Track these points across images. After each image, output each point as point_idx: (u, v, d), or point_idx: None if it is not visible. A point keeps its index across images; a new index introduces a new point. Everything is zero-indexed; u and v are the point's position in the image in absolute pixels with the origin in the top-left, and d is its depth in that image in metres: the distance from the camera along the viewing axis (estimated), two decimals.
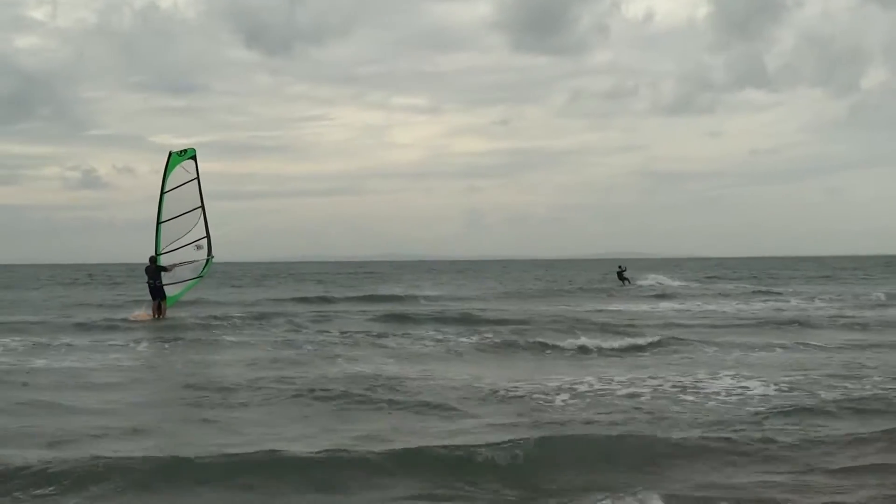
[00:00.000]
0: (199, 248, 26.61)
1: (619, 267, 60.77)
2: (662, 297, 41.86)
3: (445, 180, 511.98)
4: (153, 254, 26.38)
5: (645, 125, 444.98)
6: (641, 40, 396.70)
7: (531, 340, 19.83)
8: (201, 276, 27.53)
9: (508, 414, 11.26)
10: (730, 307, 33.80)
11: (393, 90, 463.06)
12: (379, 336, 21.51)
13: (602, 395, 12.58)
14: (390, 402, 12.03)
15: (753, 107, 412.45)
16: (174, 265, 26.38)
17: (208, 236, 26.70)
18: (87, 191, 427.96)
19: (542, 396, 12.44)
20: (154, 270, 26.30)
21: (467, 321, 25.99)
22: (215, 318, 26.88)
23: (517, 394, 12.63)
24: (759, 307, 33.48)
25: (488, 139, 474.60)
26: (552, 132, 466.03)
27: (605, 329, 22.74)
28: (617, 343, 19.20)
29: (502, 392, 12.75)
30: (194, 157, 26.71)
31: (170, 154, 26.65)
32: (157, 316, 26.47)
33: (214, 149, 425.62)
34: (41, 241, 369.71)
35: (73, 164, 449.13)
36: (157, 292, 26.45)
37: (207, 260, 26.94)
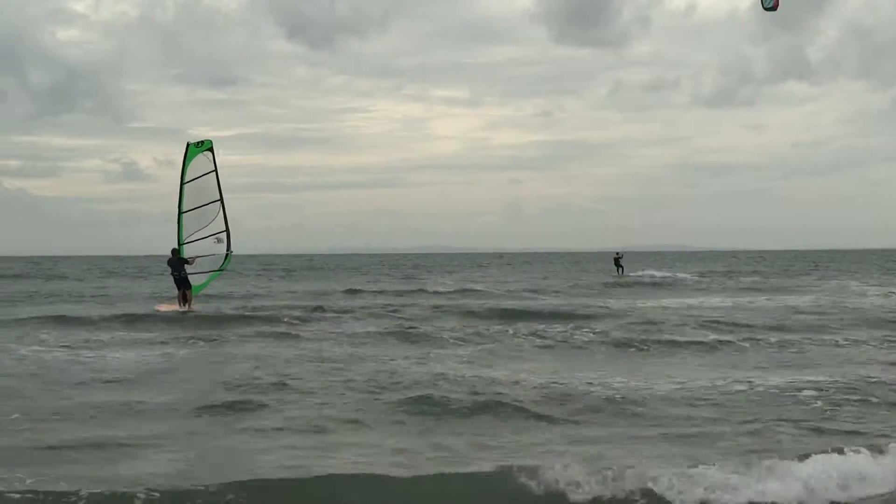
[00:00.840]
0: (218, 241, 26.99)
1: (616, 254, 62.52)
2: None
3: (485, 172, 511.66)
4: (175, 246, 26.86)
5: (685, 117, 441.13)
6: (683, 32, 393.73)
7: (663, 338, 19.33)
8: (222, 270, 27.93)
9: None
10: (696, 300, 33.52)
11: (432, 82, 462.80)
12: (480, 334, 20.40)
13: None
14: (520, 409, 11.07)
15: (795, 99, 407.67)
16: (195, 257, 26.77)
17: (227, 230, 27.02)
18: (128, 183, 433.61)
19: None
20: (177, 262, 26.75)
21: (571, 317, 25.25)
22: (284, 309, 27.05)
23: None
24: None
25: (528, 131, 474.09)
26: (592, 124, 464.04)
27: (706, 325, 22.46)
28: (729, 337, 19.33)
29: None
30: (211, 149, 27.06)
31: (188, 145, 27.09)
32: (182, 306, 26.96)
33: (255, 141, 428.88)
34: (81, 233, 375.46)
35: (114, 156, 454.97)
36: (183, 283, 26.99)
37: (227, 255, 27.30)
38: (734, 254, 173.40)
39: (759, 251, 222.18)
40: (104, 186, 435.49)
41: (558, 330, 21.07)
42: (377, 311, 27.03)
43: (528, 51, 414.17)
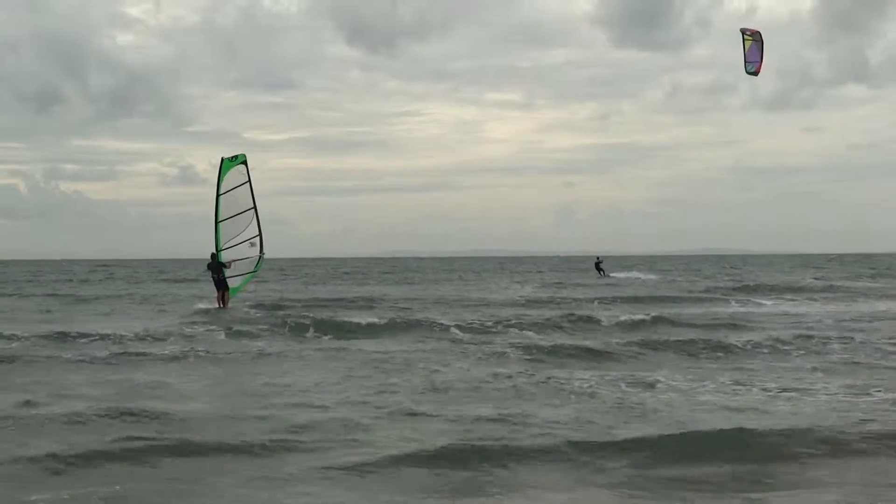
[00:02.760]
0: (252, 245, 29.64)
1: (597, 258, 66.42)
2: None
3: (537, 175, 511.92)
4: (213, 251, 29.53)
5: (742, 120, 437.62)
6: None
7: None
8: (255, 272, 30.66)
9: None
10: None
11: (486, 86, 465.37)
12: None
13: None
14: None
15: (853, 102, 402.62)
16: (232, 261, 29.49)
17: (260, 234, 29.66)
18: (184, 186, 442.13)
19: None
20: (216, 266, 29.52)
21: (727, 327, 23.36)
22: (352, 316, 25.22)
23: None
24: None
25: (581, 134, 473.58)
26: (647, 127, 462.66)
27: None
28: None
29: None
30: (245, 163, 29.70)
31: (222, 160, 29.63)
32: (220, 306, 29.67)
33: (309, 145, 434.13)
34: (138, 236, 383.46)
35: (170, 159, 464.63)
36: (221, 284, 29.70)
37: (260, 257, 29.96)
38: (786, 258, 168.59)
39: (813, 254, 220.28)
40: (160, 190, 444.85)
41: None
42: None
43: (585, 54, 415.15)
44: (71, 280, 65.55)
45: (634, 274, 64.70)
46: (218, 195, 29.49)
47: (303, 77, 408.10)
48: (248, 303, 31.37)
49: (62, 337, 20.36)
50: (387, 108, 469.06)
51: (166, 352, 18.05)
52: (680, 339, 19.64)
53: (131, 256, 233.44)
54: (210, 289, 32.07)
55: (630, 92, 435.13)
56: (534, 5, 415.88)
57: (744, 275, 66.61)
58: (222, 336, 21.31)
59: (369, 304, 33.51)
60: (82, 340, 19.96)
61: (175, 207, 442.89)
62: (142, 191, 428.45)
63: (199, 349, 18.45)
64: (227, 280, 29.57)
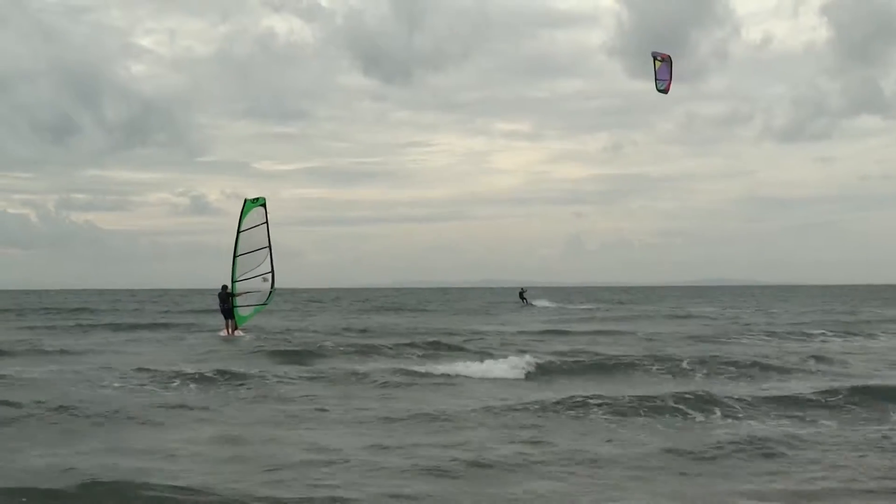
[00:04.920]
0: (265, 280, 31.54)
1: (521, 289, 72.43)
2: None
3: (545, 206, 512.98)
4: (224, 283, 31.47)
5: (755, 151, 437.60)
6: (757, 65, 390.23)
7: None
8: (265, 304, 32.54)
9: None
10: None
11: (497, 116, 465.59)
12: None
13: None
14: None
15: (866, 132, 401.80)
16: (242, 293, 31.39)
17: (273, 272, 31.53)
18: (195, 216, 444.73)
19: None
20: (224, 297, 31.45)
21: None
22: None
23: None
24: None
25: (590, 165, 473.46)
26: (658, 158, 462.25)
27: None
28: None
29: None
30: (264, 205, 31.69)
31: (245, 201, 31.69)
32: (229, 332, 31.58)
33: (319, 175, 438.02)
34: (149, 266, 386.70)
35: (181, 189, 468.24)
36: (227, 313, 31.68)
37: (271, 292, 31.85)
38: (794, 289, 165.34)
39: (823, 285, 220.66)
40: (171, 219, 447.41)
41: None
42: None
43: (597, 84, 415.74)
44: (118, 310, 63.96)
45: (544, 303, 69.74)
46: (238, 231, 31.39)
47: (314, 107, 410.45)
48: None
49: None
50: (397, 138, 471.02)
51: None
52: None
53: (140, 286, 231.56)
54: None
55: (641, 123, 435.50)
56: (551, 36, 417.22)
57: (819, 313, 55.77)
58: None
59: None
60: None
61: (186, 237, 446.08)
62: (152, 220, 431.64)
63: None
64: (238, 309, 31.43)
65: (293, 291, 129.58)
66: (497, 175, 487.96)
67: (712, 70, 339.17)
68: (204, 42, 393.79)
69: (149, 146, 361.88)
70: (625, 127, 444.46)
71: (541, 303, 69.65)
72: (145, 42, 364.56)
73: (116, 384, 17.57)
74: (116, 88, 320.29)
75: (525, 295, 70.04)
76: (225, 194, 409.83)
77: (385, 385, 17.83)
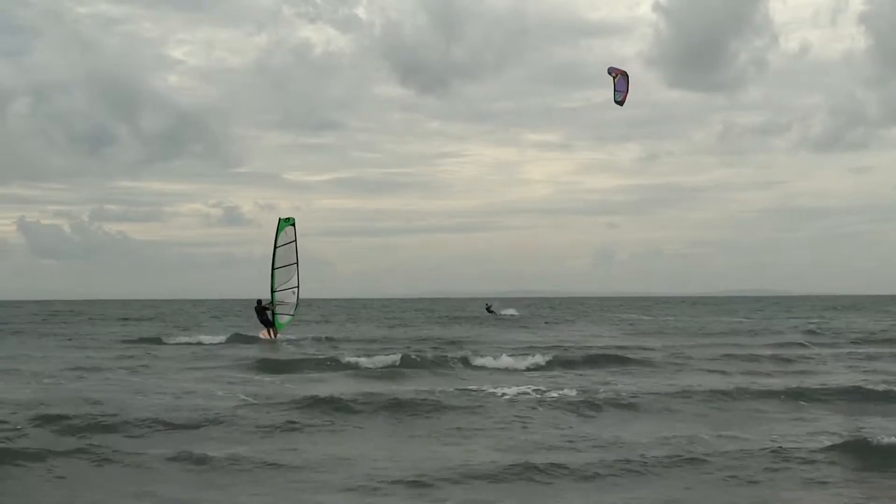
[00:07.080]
0: (294, 292, 36.41)
1: (487, 303, 77.85)
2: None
3: (575, 216, 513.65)
4: (261, 297, 36.55)
5: (790, 160, 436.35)
6: (795, 74, 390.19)
7: None
8: (293, 315, 37.30)
9: None
10: None
11: (528, 126, 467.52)
12: None
13: None
14: None
15: None
16: (275, 303, 36.17)
17: (298, 287, 36.30)
18: (227, 227, 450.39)
19: None
20: (260, 310, 36.66)
21: None
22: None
23: None
24: None
25: (622, 175, 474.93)
26: (692, 168, 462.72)
27: None
28: None
29: None
30: (293, 225, 36.49)
31: (279, 220, 36.55)
32: (271, 337, 36.27)
33: (350, 185, 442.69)
34: (182, 276, 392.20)
35: (214, 200, 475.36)
36: (267, 322, 36.68)
37: (296, 304, 36.85)
38: (826, 299, 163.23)
39: (856, 295, 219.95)
40: (204, 230, 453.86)
41: None
42: None
43: (632, 94, 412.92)
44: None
45: (510, 311, 74.43)
46: (275, 247, 36.21)
47: (350, 118, 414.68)
48: None
49: None
50: (429, 148, 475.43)
51: None
52: None
53: (173, 297, 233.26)
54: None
55: (676, 133, 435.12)
56: (588, 45, 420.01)
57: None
58: None
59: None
60: None
61: (219, 248, 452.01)
62: (185, 231, 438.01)
63: None
64: (279, 317, 36.32)
65: (325, 301, 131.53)
66: (528, 185, 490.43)
67: (750, 79, 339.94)
68: (237, 53, 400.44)
69: (184, 157, 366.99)
70: (659, 137, 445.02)
71: (507, 311, 74.28)
72: (177, 53, 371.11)
73: None
74: (152, 99, 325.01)
75: (492, 308, 74.28)
76: (258, 205, 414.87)
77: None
